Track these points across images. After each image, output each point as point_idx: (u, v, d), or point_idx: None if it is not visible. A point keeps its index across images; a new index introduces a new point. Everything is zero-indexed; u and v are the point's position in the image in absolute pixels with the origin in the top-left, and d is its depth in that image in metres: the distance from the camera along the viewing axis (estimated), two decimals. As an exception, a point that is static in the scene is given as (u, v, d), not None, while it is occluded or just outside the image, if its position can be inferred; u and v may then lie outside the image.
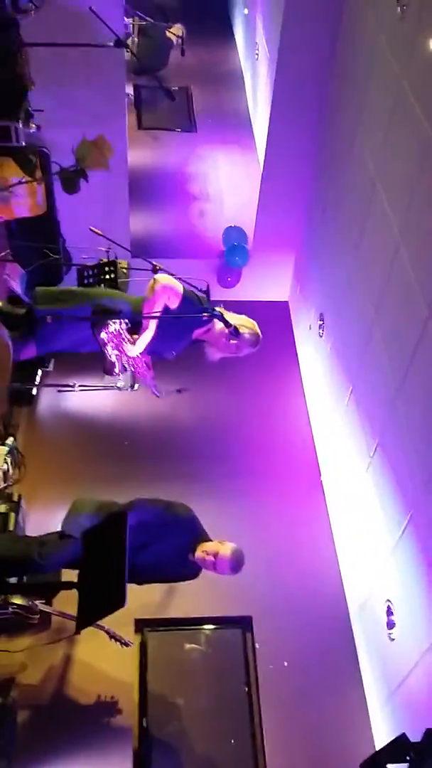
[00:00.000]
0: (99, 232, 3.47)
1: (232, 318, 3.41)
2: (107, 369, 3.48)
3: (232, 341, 3.43)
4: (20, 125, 4.40)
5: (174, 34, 7.33)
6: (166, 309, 3.39)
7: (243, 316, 3.50)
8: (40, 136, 4.82)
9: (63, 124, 5.02)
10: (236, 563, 3.48)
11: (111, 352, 3.38)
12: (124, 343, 3.38)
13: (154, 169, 7.15)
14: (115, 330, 3.37)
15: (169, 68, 7.65)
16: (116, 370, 3.43)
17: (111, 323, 3.35)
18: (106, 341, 3.36)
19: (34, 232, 4.89)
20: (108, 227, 3.52)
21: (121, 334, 3.39)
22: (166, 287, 3.33)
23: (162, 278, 3.33)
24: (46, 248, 4.77)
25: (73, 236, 5.01)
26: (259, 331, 3.51)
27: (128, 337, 3.41)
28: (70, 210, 5.03)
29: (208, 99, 7.94)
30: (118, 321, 3.36)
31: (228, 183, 7.02)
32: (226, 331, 3.37)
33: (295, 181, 5.68)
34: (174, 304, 3.37)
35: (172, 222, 6.69)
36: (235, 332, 3.30)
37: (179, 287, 3.37)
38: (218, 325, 3.43)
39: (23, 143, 4.57)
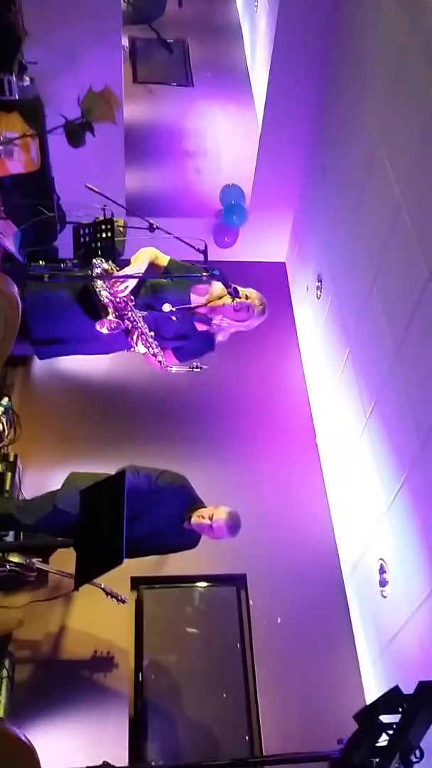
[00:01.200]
0: (95, 188, 3.40)
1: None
2: (100, 312, 3.38)
3: (236, 308, 3.38)
4: (14, 78, 4.30)
5: None
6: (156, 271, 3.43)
7: (247, 288, 3.47)
8: (33, 88, 4.71)
9: (57, 77, 4.91)
10: (233, 525, 3.49)
11: (101, 289, 3.33)
12: (114, 283, 3.31)
13: (150, 124, 7.00)
14: (103, 270, 3.33)
15: (166, 20, 7.45)
16: (111, 317, 3.35)
17: (98, 262, 3.34)
18: (95, 276, 3.31)
19: (28, 189, 4.80)
20: (103, 184, 3.45)
21: (110, 273, 3.34)
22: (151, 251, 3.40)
23: (145, 249, 3.41)
24: (40, 206, 4.69)
25: (67, 193, 4.93)
26: (264, 299, 3.47)
27: (118, 275, 3.35)
28: (64, 166, 4.94)
29: (206, 52, 7.74)
30: (103, 260, 3.35)
31: (225, 140, 6.89)
32: (230, 301, 3.34)
33: (294, 139, 5.57)
34: (162, 262, 3.43)
35: (168, 179, 6.58)
36: (235, 292, 3.27)
37: (163, 256, 3.44)
38: (217, 292, 3.41)
39: (16, 96, 4.47)
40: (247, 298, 3.42)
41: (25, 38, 4.60)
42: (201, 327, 3.54)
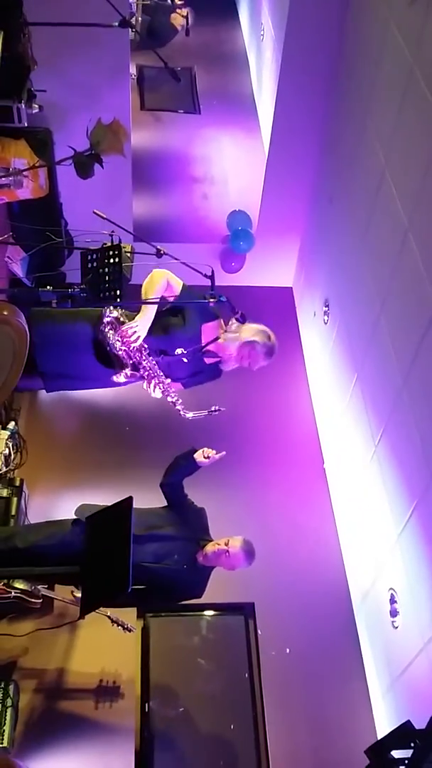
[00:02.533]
0: (103, 215, 3.42)
1: (248, 327, 3.39)
2: (113, 363, 3.41)
3: (244, 346, 3.38)
4: (23, 106, 4.35)
5: (180, 16, 7.20)
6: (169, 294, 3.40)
7: (257, 325, 3.45)
8: (42, 116, 4.77)
9: (65, 105, 4.97)
10: (249, 551, 3.48)
11: (114, 340, 3.33)
12: (125, 331, 3.30)
13: (157, 151, 7.07)
14: (113, 319, 3.33)
15: (173, 49, 7.53)
16: (126, 370, 3.37)
17: (108, 312, 3.33)
18: (106, 325, 3.30)
19: (36, 215, 4.85)
20: (110, 210, 3.47)
21: (120, 320, 3.34)
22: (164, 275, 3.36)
23: (158, 271, 3.36)
24: (48, 231, 4.73)
25: (75, 219, 4.96)
26: (274, 339, 3.43)
27: (129, 324, 3.34)
28: (72, 193, 4.98)
29: (212, 80, 7.83)
30: (113, 308, 3.33)
31: (232, 166, 6.94)
32: (239, 340, 3.35)
33: (301, 165, 5.61)
34: (176, 285, 3.39)
35: (175, 205, 6.62)
36: (242, 318, 3.26)
37: (177, 280, 3.38)
38: (224, 327, 3.43)
39: (25, 124, 4.52)
40: (245, 320, 3.40)
41: (33, 67, 4.66)
42: (209, 360, 3.55)
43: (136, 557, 3.06)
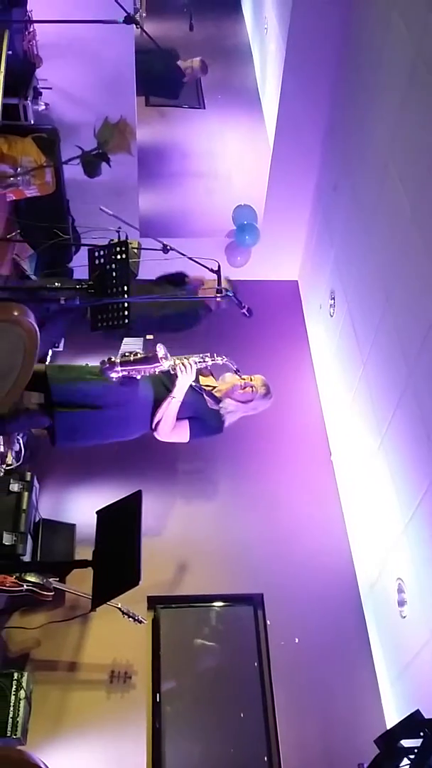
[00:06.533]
0: (109, 211, 3.46)
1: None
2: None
3: (242, 387, 3.71)
4: (29, 103, 4.39)
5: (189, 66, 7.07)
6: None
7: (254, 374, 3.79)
8: (49, 114, 4.80)
9: (72, 103, 5.00)
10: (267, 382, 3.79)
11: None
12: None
13: (162, 146, 7.09)
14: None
15: (177, 43, 7.53)
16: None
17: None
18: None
19: (43, 212, 4.87)
20: (116, 206, 3.50)
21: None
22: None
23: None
24: (56, 228, 4.76)
25: (82, 216, 5.00)
26: (268, 384, 3.84)
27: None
28: (78, 190, 5.01)
29: (216, 75, 7.82)
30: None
31: (237, 160, 6.95)
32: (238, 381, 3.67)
33: (305, 159, 5.62)
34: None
35: (180, 200, 6.64)
36: (249, 312, 3.32)
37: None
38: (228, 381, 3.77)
39: (32, 121, 4.55)
40: (251, 379, 3.72)
41: (39, 64, 4.70)
42: (212, 405, 3.74)
43: None
